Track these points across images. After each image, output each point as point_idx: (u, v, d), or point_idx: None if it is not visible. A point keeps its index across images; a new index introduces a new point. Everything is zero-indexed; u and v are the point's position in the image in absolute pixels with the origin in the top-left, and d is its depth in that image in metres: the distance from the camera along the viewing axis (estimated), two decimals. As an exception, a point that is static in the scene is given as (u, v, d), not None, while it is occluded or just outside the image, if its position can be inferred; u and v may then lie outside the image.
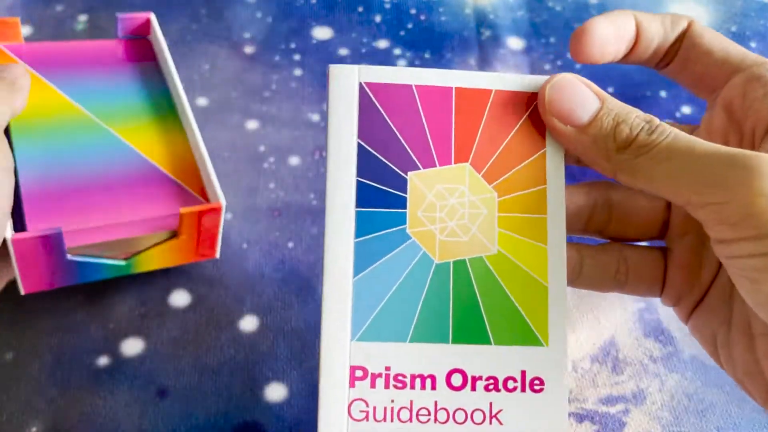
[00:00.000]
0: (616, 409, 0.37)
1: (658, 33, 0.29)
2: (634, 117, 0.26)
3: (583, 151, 0.27)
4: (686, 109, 0.49)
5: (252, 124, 0.48)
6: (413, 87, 0.26)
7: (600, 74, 0.51)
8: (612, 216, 0.31)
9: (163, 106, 0.43)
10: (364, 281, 0.25)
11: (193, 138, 0.41)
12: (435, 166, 0.26)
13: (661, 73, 0.31)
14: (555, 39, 0.53)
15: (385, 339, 0.25)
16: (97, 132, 0.41)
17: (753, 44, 0.52)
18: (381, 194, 0.26)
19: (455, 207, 0.26)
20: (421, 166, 0.26)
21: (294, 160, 0.46)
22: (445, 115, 0.26)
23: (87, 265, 0.38)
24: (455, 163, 0.26)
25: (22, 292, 0.37)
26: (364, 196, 0.26)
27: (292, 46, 0.52)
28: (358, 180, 0.26)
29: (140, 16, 0.45)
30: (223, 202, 0.38)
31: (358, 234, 0.26)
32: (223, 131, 0.48)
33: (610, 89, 0.50)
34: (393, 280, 0.25)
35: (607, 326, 0.40)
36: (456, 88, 0.26)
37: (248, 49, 0.52)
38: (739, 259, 0.23)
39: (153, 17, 0.45)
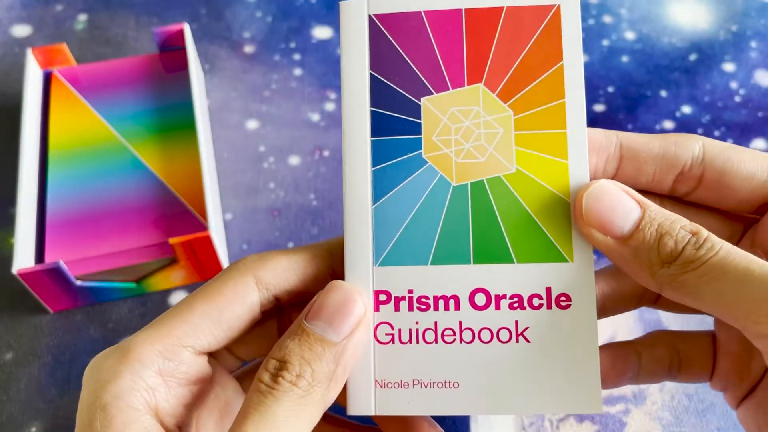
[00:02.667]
0: (616, 409, 0.37)
1: (653, 152, 0.26)
2: (679, 228, 0.24)
3: (625, 264, 0.25)
4: (686, 109, 0.49)
5: (252, 124, 0.48)
6: (422, 13, 0.26)
7: (600, 74, 0.51)
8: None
9: (187, 119, 0.45)
10: (383, 208, 0.26)
11: (202, 161, 0.41)
12: (448, 89, 0.26)
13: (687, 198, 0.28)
14: (555, 39, 0.53)
15: (407, 263, 0.25)
16: (124, 156, 0.44)
17: (753, 44, 0.52)
18: (395, 122, 0.26)
19: (470, 128, 0.26)
20: (433, 91, 0.26)
21: (294, 160, 0.46)
22: (456, 38, 0.26)
23: (101, 288, 0.39)
24: (468, 84, 0.26)
25: (51, 311, 0.40)
26: (379, 125, 0.26)
27: (292, 45, 0.52)
28: (372, 110, 0.26)
29: (174, 27, 0.47)
30: (212, 232, 0.38)
31: (374, 162, 0.26)
32: (223, 131, 0.48)
33: (611, 89, 0.50)
34: (411, 205, 0.26)
35: (607, 326, 0.40)
36: (465, 9, 0.26)
37: (248, 49, 0.52)
38: None
39: (186, 27, 0.46)
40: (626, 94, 0.50)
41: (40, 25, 0.53)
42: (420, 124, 0.26)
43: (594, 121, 0.48)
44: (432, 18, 0.26)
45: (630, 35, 0.53)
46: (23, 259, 0.38)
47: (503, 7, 0.26)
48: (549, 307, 0.25)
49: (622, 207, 0.24)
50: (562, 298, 0.25)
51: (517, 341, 0.25)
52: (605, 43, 0.52)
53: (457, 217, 0.25)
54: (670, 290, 0.24)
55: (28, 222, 0.40)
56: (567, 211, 0.25)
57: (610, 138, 0.27)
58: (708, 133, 0.48)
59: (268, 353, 0.24)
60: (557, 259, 0.25)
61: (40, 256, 0.40)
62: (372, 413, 0.26)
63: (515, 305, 0.25)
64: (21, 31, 0.53)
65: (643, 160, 0.26)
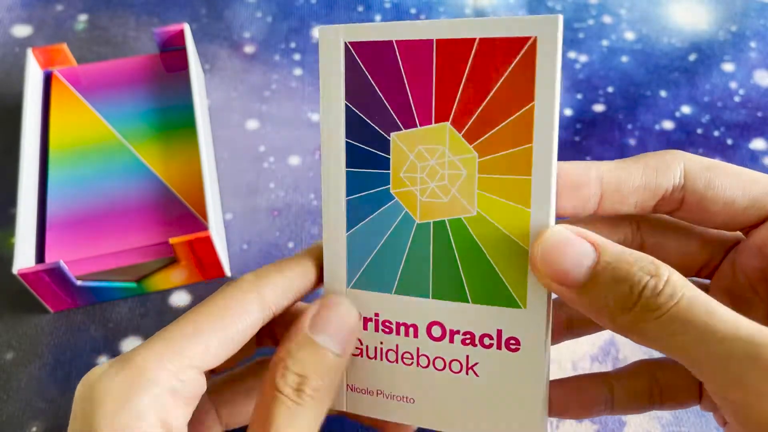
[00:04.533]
0: (615, 409, 0.37)
1: (635, 184, 0.25)
2: (636, 271, 0.22)
3: (586, 311, 0.24)
4: (686, 109, 0.49)
5: (252, 124, 0.48)
6: (394, 43, 0.25)
7: (600, 74, 0.51)
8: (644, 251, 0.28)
9: (188, 119, 0.45)
10: (356, 236, 0.27)
11: (202, 161, 0.41)
12: (416, 126, 0.26)
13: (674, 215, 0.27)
14: (555, 39, 0.53)
15: (374, 289, 0.27)
16: (124, 155, 0.44)
17: (752, 44, 0.52)
18: (367, 155, 0.26)
19: (435, 168, 0.26)
20: (402, 127, 0.26)
21: (294, 160, 0.46)
22: (426, 71, 0.25)
23: (101, 288, 0.39)
24: (435, 122, 0.25)
25: (51, 311, 0.41)
26: (353, 157, 0.26)
27: (292, 45, 0.52)
28: (346, 141, 0.26)
29: (174, 27, 0.47)
30: (212, 232, 0.38)
31: (348, 193, 0.27)
32: (224, 131, 0.48)
33: (610, 89, 0.50)
34: (380, 236, 0.26)
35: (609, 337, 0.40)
36: (437, 40, 0.25)
37: (248, 49, 0.52)
38: None
39: (187, 27, 0.46)
40: (626, 94, 0.50)
41: (40, 25, 0.53)
42: (389, 159, 0.26)
43: (594, 121, 0.48)
44: (404, 49, 0.25)
45: (630, 35, 0.53)
46: (24, 259, 0.38)
47: (475, 39, 0.24)
48: (499, 347, 0.26)
49: (576, 255, 0.23)
50: (512, 342, 0.26)
51: (467, 374, 0.26)
52: (605, 43, 0.53)
53: (420, 252, 0.26)
54: (633, 337, 0.23)
55: (29, 222, 0.40)
56: (525, 257, 0.25)
57: (589, 174, 0.25)
58: (708, 133, 0.48)
59: (275, 359, 0.25)
60: (510, 304, 0.25)
61: (40, 256, 0.40)
62: (344, 409, 0.28)
63: (467, 341, 0.26)
64: (21, 31, 0.53)
65: (625, 194, 0.25)
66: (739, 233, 0.27)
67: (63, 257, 0.39)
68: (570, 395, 0.28)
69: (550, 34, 0.23)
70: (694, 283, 0.28)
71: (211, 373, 0.28)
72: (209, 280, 0.41)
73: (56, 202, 0.41)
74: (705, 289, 0.28)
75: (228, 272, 0.42)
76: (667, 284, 0.22)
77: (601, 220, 0.28)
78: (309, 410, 0.24)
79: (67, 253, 0.39)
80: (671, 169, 0.25)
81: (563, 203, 0.25)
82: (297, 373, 0.24)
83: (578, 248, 0.23)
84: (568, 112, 0.49)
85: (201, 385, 0.25)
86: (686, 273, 0.28)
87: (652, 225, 0.28)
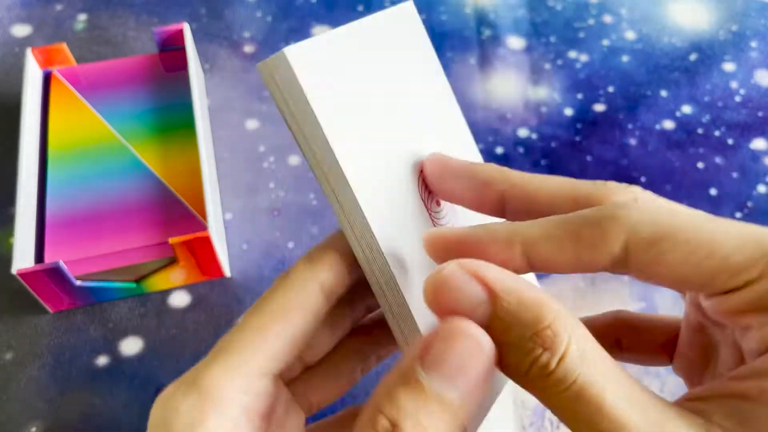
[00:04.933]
0: (616, 409, 0.37)
1: (567, 263, 0.21)
2: (528, 341, 0.19)
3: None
4: (686, 109, 0.49)
5: (252, 124, 0.48)
6: None
7: (600, 74, 0.51)
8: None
9: (187, 119, 0.45)
10: None
11: (202, 161, 0.41)
12: None
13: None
14: (555, 38, 0.53)
15: None
16: (124, 155, 0.44)
17: (753, 44, 0.52)
18: None
19: None
20: None
21: (294, 160, 0.46)
22: None
23: (101, 288, 0.39)
24: None
25: (51, 311, 0.40)
26: None
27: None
28: None
29: (174, 27, 0.47)
30: (212, 232, 0.38)
31: None
32: (223, 131, 0.48)
33: (611, 89, 0.50)
34: None
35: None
36: None
37: (248, 49, 0.52)
38: None
39: (186, 27, 0.46)
40: (626, 94, 0.50)
41: (40, 24, 0.53)
42: None
43: (594, 121, 0.48)
44: None
45: (630, 35, 0.53)
46: (23, 259, 0.38)
47: None
48: None
49: (466, 303, 0.20)
50: None
51: None
52: (605, 43, 0.52)
53: None
54: (535, 397, 0.20)
55: (28, 222, 0.40)
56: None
57: (513, 248, 0.21)
58: (708, 133, 0.48)
59: (374, 397, 0.20)
60: None
61: (39, 256, 0.40)
62: None
63: None
64: (21, 30, 0.53)
65: (556, 268, 0.21)
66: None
67: (62, 257, 0.39)
68: None
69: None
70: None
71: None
72: (209, 280, 0.41)
73: (55, 202, 0.41)
74: (675, 328, 0.26)
75: (227, 272, 0.41)
76: (560, 364, 0.19)
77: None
78: None
79: (66, 253, 0.39)
80: (608, 244, 0.20)
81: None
82: (388, 417, 0.19)
83: (470, 293, 0.20)
84: (569, 111, 0.49)
85: (275, 393, 0.23)
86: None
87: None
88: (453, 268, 0.20)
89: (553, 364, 0.19)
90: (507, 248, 0.21)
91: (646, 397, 0.19)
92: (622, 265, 0.21)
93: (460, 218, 0.27)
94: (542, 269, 0.21)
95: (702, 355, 0.26)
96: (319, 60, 0.23)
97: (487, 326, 0.20)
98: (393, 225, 0.23)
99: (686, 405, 0.20)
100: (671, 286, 0.21)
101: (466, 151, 0.28)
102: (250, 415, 0.22)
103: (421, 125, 0.26)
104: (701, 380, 0.26)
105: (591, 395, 0.18)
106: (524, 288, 0.20)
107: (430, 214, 0.25)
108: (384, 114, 0.24)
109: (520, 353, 0.19)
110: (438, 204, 0.26)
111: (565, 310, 0.19)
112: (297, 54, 0.23)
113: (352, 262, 0.24)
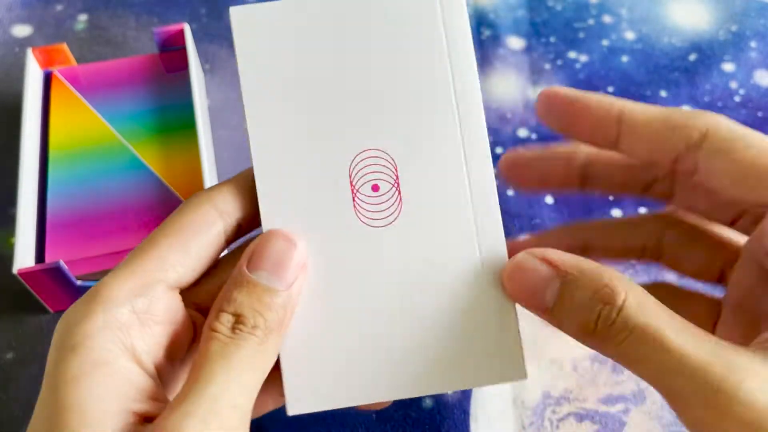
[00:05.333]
0: (616, 409, 0.37)
1: (651, 129, 0.25)
2: (591, 300, 0.23)
3: (564, 332, 0.24)
4: (686, 109, 0.49)
5: (252, 124, 0.48)
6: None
7: (600, 74, 0.51)
8: (663, 253, 0.29)
9: (188, 119, 0.45)
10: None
11: (202, 161, 0.41)
12: None
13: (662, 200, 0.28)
14: (555, 38, 0.53)
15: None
16: (124, 156, 0.44)
17: (752, 44, 0.52)
18: None
19: None
20: None
21: (294, 160, 0.46)
22: None
23: None
24: None
25: (51, 311, 0.41)
26: None
27: (292, 45, 0.52)
28: None
29: (174, 27, 0.47)
30: None
31: None
32: (224, 131, 0.48)
33: (610, 89, 0.50)
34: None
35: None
36: None
37: (248, 49, 0.52)
38: None
39: (187, 27, 0.46)
40: (626, 94, 0.50)
41: (40, 25, 0.53)
42: None
43: (594, 121, 0.48)
44: None
45: (630, 35, 0.53)
46: (24, 258, 0.38)
47: None
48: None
49: (539, 281, 0.24)
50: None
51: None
52: (605, 43, 0.53)
53: None
54: (605, 355, 0.23)
55: (29, 222, 0.40)
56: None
57: (611, 109, 0.26)
58: (708, 133, 0.48)
59: (215, 303, 0.24)
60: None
61: (40, 256, 0.40)
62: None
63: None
64: (21, 31, 0.53)
65: (639, 138, 0.26)
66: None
67: (63, 257, 0.39)
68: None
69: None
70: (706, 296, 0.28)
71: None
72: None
73: (56, 202, 0.41)
74: (735, 251, 0.28)
75: None
76: (620, 314, 0.22)
77: (623, 223, 0.29)
78: (246, 347, 0.22)
79: (67, 253, 0.39)
80: (690, 128, 0.25)
81: (585, 128, 0.26)
82: (232, 312, 0.23)
83: (541, 274, 0.24)
84: (569, 112, 0.49)
85: (176, 305, 0.24)
86: (705, 279, 0.29)
87: (673, 232, 0.28)
88: (523, 255, 0.24)
89: (614, 315, 0.22)
90: (609, 107, 0.26)
91: (701, 333, 0.22)
92: (695, 151, 0.24)
93: (408, 207, 0.26)
94: (629, 137, 0.25)
95: (754, 292, 0.27)
96: (264, 24, 0.25)
97: (558, 299, 0.23)
98: (282, 184, 0.25)
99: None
100: (733, 187, 0.24)
101: (447, 159, 0.26)
102: (142, 317, 0.23)
103: (378, 115, 0.26)
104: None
105: (650, 334, 0.22)
106: (584, 261, 0.23)
107: (354, 196, 0.25)
108: (324, 92, 0.25)
109: (586, 313, 0.23)
110: (375, 189, 0.25)
111: (619, 273, 0.23)
112: (240, 14, 0.25)
113: (252, 195, 0.26)
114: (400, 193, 0.25)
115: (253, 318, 0.23)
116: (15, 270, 0.37)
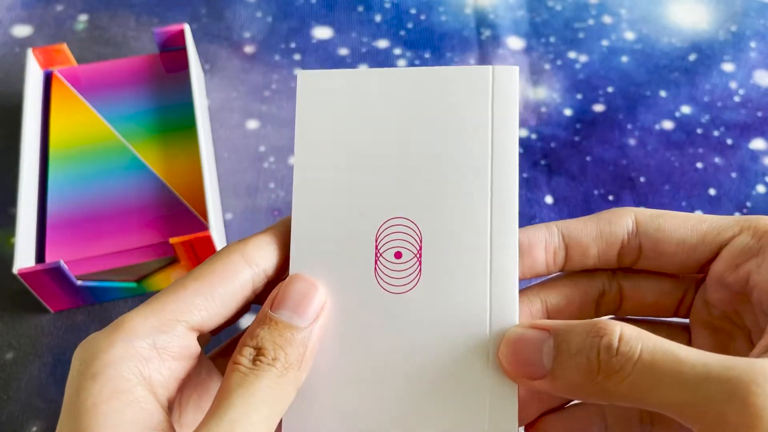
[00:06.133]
0: (615, 409, 0.37)
1: (592, 234, 0.27)
2: (586, 339, 0.23)
3: (563, 395, 0.25)
4: (686, 109, 0.49)
5: (252, 124, 0.48)
6: None
7: (600, 74, 0.51)
8: (624, 297, 0.29)
9: (188, 119, 0.45)
10: None
11: (202, 161, 0.42)
12: None
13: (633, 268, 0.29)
14: (555, 38, 0.53)
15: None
16: (124, 156, 0.44)
17: (752, 44, 0.52)
18: None
19: None
20: None
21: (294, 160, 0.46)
22: None
23: (101, 288, 0.39)
24: None
25: (51, 311, 0.41)
26: None
27: (292, 45, 0.52)
28: None
29: (174, 27, 0.47)
30: (212, 232, 0.38)
31: None
32: (224, 131, 0.48)
33: (610, 89, 0.50)
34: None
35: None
36: None
37: (248, 49, 0.52)
38: None
39: (187, 27, 0.46)
40: (626, 94, 0.50)
41: (40, 25, 0.53)
42: None
43: (594, 121, 0.48)
44: None
45: (630, 35, 0.53)
46: (24, 258, 0.38)
47: None
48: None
49: (534, 347, 0.24)
50: None
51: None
52: (605, 43, 0.53)
53: None
54: (616, 402, 0.23)
55: (29, 222, 0.40)
56: None
57: (552, 231, 0.27)
58: (708, 133, 0.48)
59: (240, 342, 0.25)
60: None
61: (40, 256, 0.40)
62: None
63: None
64: (21, 31, 0.53)
65: (585, 245, 0.27)
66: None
67: (63, 257, 0.39)
68: (566, 427, 0.29)
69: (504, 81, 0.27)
70: (672, 325, 0.29)
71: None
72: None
73: (56, 201, 0.41)
74: (686, 328, 0.29)
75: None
76: (622, 341, 0.22)
77: (579, 275, 0.29)
78: (266, 378, 0.23)
79: (67, 253, 0.39)
80: (622, 219, 0.27)
81: (537, 259, 0.27)
82: (253, 346, 0.24)
83: (535, 340, 0.24)
84: (568, 112, 0.49)
85: (193, 344, 0.25)
86: (665, 313, 0.29)
87: (626, 271, 0.29)
88: (512, 329, 0.25)
89: (615, 342, 0.22)
90: (548, 232, 0.27)
91: (702, 351, 0.22)
92: (635, 236, 0.27)
93: (432, 274, 0.27)
94: (575, 249, 0.27)
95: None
96: (325, 88, 0.27)
97: (555, 355, 0.24)
98: (314, 238, 0.27)
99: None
100: (676, 254, 0.27)
101: (467, 245, 0.26)
102: (162, 356, 0.24)
103: (413, 187, 0.26)
104: None
105: (662, 353, 0.22)
106: (571, 320, 0.24)
107: (376, 260, 0.26)
108: (368, 159, 0.27)
109: (585, 353, 0.23)
110: (397, 256, 0.26)
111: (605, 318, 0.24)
112: (306, 76, 0.27)
113: (281, 247, 0.27)
114: (420, 263, 0.26)
115: (273, 351, 0.24)
116: (15, 270, 0.37)
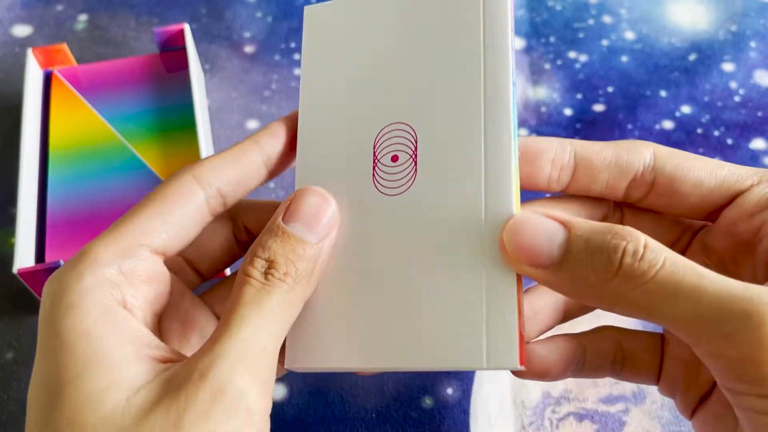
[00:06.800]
0: (616, 409, 0.37)
1: (607, 160, 0.26)
2: (611, 239, 0.22)
3: (565, 292, 0.24)
4: (686, 109, 0.49)
5: (252, 124, 0.48)
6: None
7: (600, 74, 0.51)
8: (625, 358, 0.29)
9: (188, 119, 0.45)
10: None
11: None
12: None
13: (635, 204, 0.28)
14: (555, 38, 0.53)
15: None
16: (124, 156, 0.44)
17: (752, 44, 0.52)
18: None
19: None
20: None
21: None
22: None
23: None
24: None
25: None
26: None
27: (293, 45, 0.52)
28: None
29: (174, 27, 0.47)
30: None
31: None
32: (224, 131, 0.48)
33: (610, 89, 0.50)
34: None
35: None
36: None
37: (248, 49, 0.52)
38: (749, 411, 0.21)
39: (187, 27, 0.46)
40: (626, 94, 0.50)
41: (40, 25, 0.53)
42: None
43: (594, 121, 0.48)
44: None
45: (630, 35, 0.53)
46: (24, 258, 0.38)
47: None
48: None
49: (545, 234, 0.23)
50: None
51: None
52: (605, 43, 0.53)
53: None
54: (621, 309, 0.22)
55: (29, 221, 0.40)
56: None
57: (564, 147, 0.26)
58: (708, 133, 0.48)
59: (249, 250, 0.25)
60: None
61: (40, 256, 0.40)
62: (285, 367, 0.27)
63: None
64: (21, 31, 0.53)
65: (597, 168, 0.26)
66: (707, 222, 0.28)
67: (63, 257, 0.39)
68: (552, 355, 0.28)
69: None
70: None
71: (200, 278, 0.30)
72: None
73: (56, 201, 0.41)
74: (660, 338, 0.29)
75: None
76: (647, 248, 0.21)
77: (581, 199, 0.28)
78: (277, 294, 0.23)
79: (67, 253, 0.39)
80: (641, 150, 0.26)
81: (541, 171, 0.26)
82: (265, 258, 0.24)
83: (547, 228, 0.23)
84: (568, 111, 0.49)
85: (160, 268, 0.25)
86: None
87: (629, 206, 0.28)
88: (524, 212, 0.24)
89: (641, 249, 0.21)
90: (561, 147, 0.26)
91: (721, 273, 0.21)
92: (650, 171, 0.26)
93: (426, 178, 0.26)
94: (585, 171, 0.26)
95: (686, 371, 0.28)
96: (328, 17, 0.29)
97: (566, 248, 0.23)
98: (317, 150, 0.28)
99: None
100: (690, 195, 0.26)
101: (466, 149, 0.26)
102: (132, 279, 0.24)
103: (409, 95, 0.27)
104: (690, 396, 0.28)
105: (685, 265, 0.21)
106: (589, 221, 0.23)
107: (374, 165, 0.27)
108: (368, 74, 0.28)
109: (606, 253, 0.22)
110: (394, 160, 0.26)
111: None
112: (311, 13, 0.29)
113: (239, 164, 0.27)
114: (416, 164, 0.26)
115: (285, 265, 0.24)
116: (15, 270, 0.37)
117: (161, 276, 0.25)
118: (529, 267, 0.23)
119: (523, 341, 0.24)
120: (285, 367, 0.27)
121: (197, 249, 0.29)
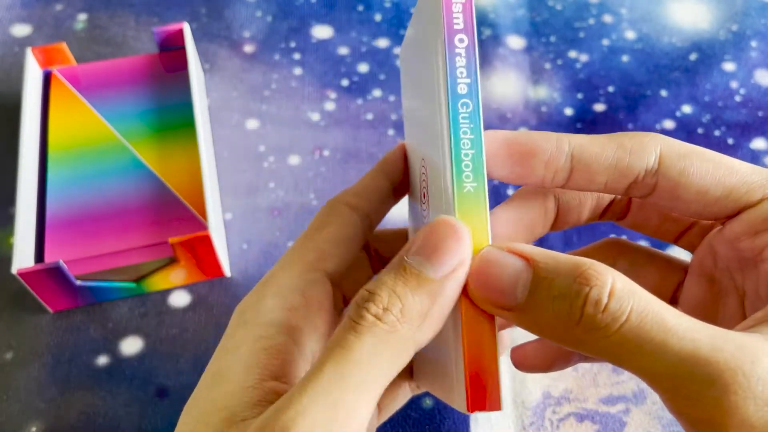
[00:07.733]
0: (616, 409, 0.37)
1: (606, 163, 0.24)
2: (572, 283, 0.20)
3: (530, 331, 0.22)
4: (686, 109, 0.49)
5: (252, 124, 0.48)
6: None
7: (600, 74, 0.51)
8: (630, 211, 0.28)
9: (187, 119, 0.45)
10: None
11: (202, 161, 0.41)
12: None
13: (620, 224, 0.28)
14: (555, 38, 0.53)
15: None
16: (123, 155, 0.44)
17: (753, 44, 0.52)
18: None
19: None
20: None
21: (294, 160, 0.46)
22: None
23: (101, 288, 0.39)
24: None
25: (51, 311, 0.40)
26: None
27: (292, 45, 0.52)
28: None
29: (174, 27, 0.47)
30: (212, 231, 0.38)
31: None
32: (223, 131, 0.48)
33: (611, 89, 0.50)
34: None
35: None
36: None
37: (248, 48, 0.52)
38: None
39: (186, 27, 0.46)
40: (626, 94, 0.50)
41: (40, 24, 0.53)
42: None
43: (594, 120, 0.48)
44: None
45: (630, 35, 0.53)
46: (23, 258, 0.38)
47: None
48: None
49: (508, 274, 0.21)
50: None
51: None
52: (605, 42, 0.52)
53: None
54: (589, 352, 0.21)
55: (28, 221, 0.40)
56: None
57: (561, 148, 0.24)
58: (708, 133, 0.48)
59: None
60: None
61: (39, 256, 0.40)
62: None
63: None
64: (21, 30, 0.53)
65: (595, 172, 0.24)
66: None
67: (62, 257, 0.39)
68: (537, 353, 0.29)
69: None
70: (672, 262, 0.29)
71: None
72: (209, 280, 0.41)
73: (55, 201, 0.41)
74: (684, 270, 0.28)
75: (227, 272, 0.41)
76: (612, 297, 0.20)
77: (579, 255, 0.27)
78: (370, 337, 0.20)
79: (66, 253, 0.39)
80: (646, 152, 0.24)
81: (533, 173, 0.24)
82: (368, 290, 0.21)
83: (510, 267, 0.21)
84: (569, 111, 0.49)
85: (330, 293, 0.26)
86: (668, 239, 0.28)
87: (625, 259, 0.28)
88: (489, 248, 0.22)
89: (605, 298, 0.20)
90: (557, 148, 0.24)
91: (696, 320, 0.20)
92: (653, 175, 0.24)
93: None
94: (582, 172, 0.24)
95: (706, 305, 0.27)
96: (405, 48, 0.29)
97: (531, 290, 0.21)
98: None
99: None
100: (693, 202, 0.24)
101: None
102: (308, 299, 0.25)
103: (427, 131, 0.26)
104: None
105: (652, 318, 0.19)
106: (555, 253, 0.21)
107: (421, 198, 0.27)
108: (422, 111, 0.27)
109: (568, 299, 0.20)
110: (424, 197, 0.26)
111: (596, 261, 0.21)
112: (403, 47, 0.30)
113: (378, 187, 0.28)
114: (428, 203, 0.26)
115: (386, 299, 0.20)
116: (14, 270, 0.37)
117: (329, 301, 0.26)
118: (495, 308, 0.21)
119: (480, 382, 0.22)
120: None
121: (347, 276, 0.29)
